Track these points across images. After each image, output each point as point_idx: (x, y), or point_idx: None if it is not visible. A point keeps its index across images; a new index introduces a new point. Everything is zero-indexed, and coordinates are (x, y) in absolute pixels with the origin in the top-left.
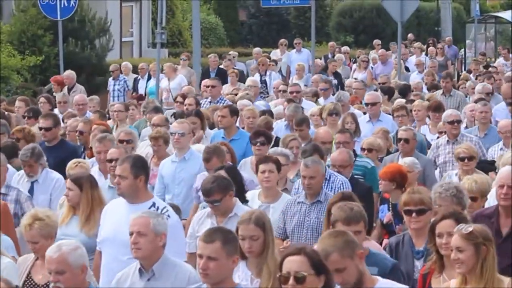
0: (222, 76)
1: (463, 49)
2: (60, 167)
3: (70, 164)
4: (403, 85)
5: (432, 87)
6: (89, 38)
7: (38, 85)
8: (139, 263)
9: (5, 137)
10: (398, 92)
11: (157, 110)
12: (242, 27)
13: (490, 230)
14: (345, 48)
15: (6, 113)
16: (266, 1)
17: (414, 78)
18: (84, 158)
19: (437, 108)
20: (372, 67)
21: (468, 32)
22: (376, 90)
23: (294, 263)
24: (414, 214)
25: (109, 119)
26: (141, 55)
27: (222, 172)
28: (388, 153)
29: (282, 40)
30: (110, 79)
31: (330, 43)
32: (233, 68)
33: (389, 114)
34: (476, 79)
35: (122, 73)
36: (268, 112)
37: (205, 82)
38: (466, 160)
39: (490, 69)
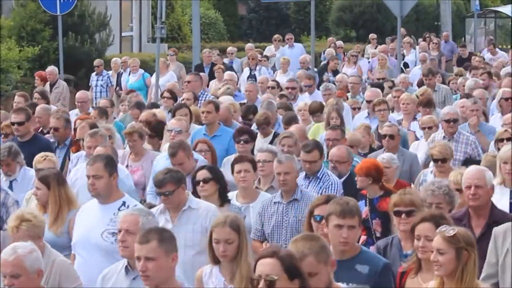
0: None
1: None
2: (32, 162)
3: (38, 157)
4: (377, 82)
5: (421, 83)
6: (89, 32)
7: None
8: (126, 261)
9: None
10: (371, 86)
11: (139, 105)
12: (241, 22)
13: None
14: (339, 42)
15: None
16: None
17: (417, 72)
18: (66, 153)
19: (428, 103)
20: (369, 61)
21: (467, 27)
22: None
23: (266, 266)
24: (403, 215)
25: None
26: (140, 49)
27: (204, 172)
28: (371, 149)
29: (276, 36)
30: (93, 74)
31: (330, 38)
32: (223, 63)
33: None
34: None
35: (121, 68)
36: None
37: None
38: (439, 162)
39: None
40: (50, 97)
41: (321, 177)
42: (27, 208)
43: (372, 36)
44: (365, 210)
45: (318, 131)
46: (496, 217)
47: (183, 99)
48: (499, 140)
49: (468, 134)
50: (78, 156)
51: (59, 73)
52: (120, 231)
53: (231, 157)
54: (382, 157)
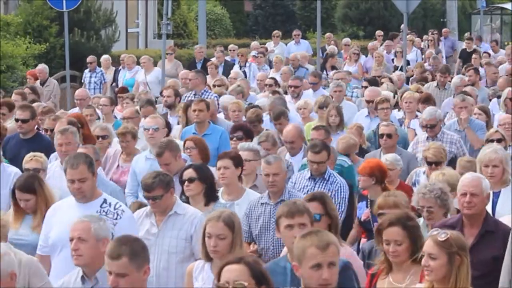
0: (206, 68)
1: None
2: None
3: (26, 157)
4: (372, 78)
5: (422, 79)
6: (95, 29)
7: None
8: (81, 270)
9: None
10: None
11: (150, 102)
12: (248, 18)
13: None
14: (346, 40)
15: None
16: None
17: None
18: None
19: (427, 100)
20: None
21: (474, 24)
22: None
23: (233, 272)
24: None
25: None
26: (146, 46)
27: (190, 171)
28: (361, 149)
29: (275, 32)
30: (86, 71)
31: (327, 34)
32: (225, 61)
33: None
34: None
35: (121, 65)
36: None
37: (182, 74)
38: (433, 165)
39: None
40: (43, 93)
41: (328, 179)
42: None
43: (379, 33)
44: (366, 212)
45: (309, 131)
46: (489, 227)
47: (164, 96)
48: (489, 141)
49: (452, 133)
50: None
51: (64, 68)
52: (72, 239)
53: None
54: (386, 158)
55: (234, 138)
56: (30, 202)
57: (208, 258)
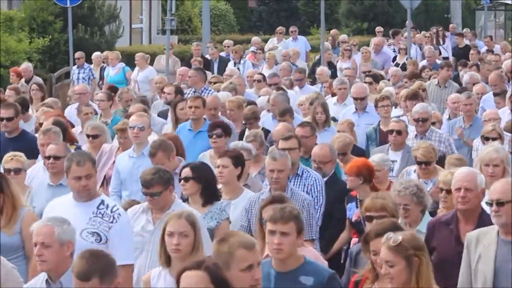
0: (203, 65)
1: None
2: None
3: (6, 157)
4: (374, 74)
5: (413, 76)
6: (99, 24)
7: (47, 71)
8: (46, 274)
9: None
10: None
11: (143, 101)
12: (251, 14)
13: (449, 238)
14: (343, 36)
15: None
16: None
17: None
18: None
19: (414, 96)
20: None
21: (478, 19)
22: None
23: (193, 278)
24: (375, 221)
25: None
26: (150, 42)
27: (187, 170)
28: (354, 147)
29: (278, 28)
30: (75, 67)
31: (332, 31)
32: (220, 57)
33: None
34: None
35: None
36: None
37: (180, 71)
38: (423, 165)
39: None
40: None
41: (302, 174)
42: None
43: (379, 29)
44: (356, 212)
45: None
46: (484, 223)
47: (164, 93)
48: (485, 138)
49: (441, 132)
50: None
51: (68, 64)
52: (35, 244)
53: (207, 153)
54: (373, 159)
55: (214, 136)
56: None
57: (167, 263)
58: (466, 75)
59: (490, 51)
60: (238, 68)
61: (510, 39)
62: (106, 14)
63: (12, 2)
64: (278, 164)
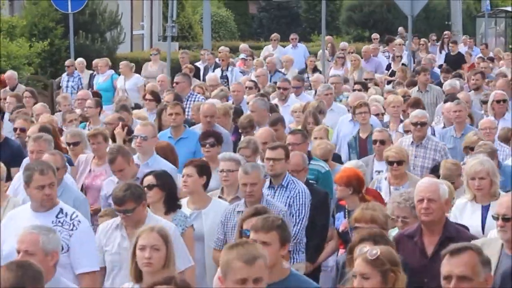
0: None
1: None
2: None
3: None
4: (363, 81)
5: (411, 84)
6: (100, 31)
7: (48, 77)
8: None
9: None
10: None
11: (125, 108)
12: (252, 21)
13: (414, 250)
14: (343, 44)
15: None
16: None
17: None
18: None
19: (415, 104)
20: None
21: (478, 26)
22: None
23: None
24: (360, 229)
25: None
26: (151, 48)
27: (150, 178)
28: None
29: (273, 35)
30: (64, 74)
31: (327, 37)
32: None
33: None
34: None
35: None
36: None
37: (160, 77)
38: (395, 165)
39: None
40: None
41: (287, 185)
42: None
43: (375, 36)
44: (344, 223)
45: None
46: (450, 234)
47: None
48: (470, 149)
49: (438, 140)
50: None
51: None
52: (18, 252)
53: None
54: (347, 165)
55: (207, 145)
56: None
57: (137, 279)
58: (446, 83)
59: (481, 58)
60: (226, 76)
61: (510, 46)
62: (107, 21)
63: (14, 8)
64: (251, 178)
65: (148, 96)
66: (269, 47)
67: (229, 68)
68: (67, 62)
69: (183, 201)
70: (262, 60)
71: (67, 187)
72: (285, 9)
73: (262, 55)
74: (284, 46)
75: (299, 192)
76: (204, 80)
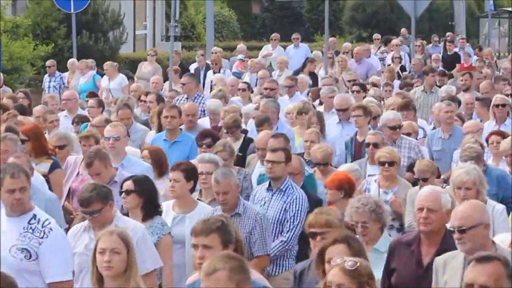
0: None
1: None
2: None
3: None
4: (362, 83)
5: (386, 85)
6: (103, 31)
7: None
8: None
9: None
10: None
11: (127, 106)
12: (255, 21)
13: (410, 260)
14: (346, 45)
15: None
16: None
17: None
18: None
19: (405, 107)
20: None
21: (481, 27)
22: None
23: None
24: (318, 238)
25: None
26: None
27: (129, 183)
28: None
29: (273, 35)
30: (46, 75)
31: (330, 39)
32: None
33: None
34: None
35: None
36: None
37: (154, 79)
38: (386, 165)
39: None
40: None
41: (285, 190)
42: None
43: (376, 36)
44: None
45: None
46: (448, 246)
47: (147, 102)
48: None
49: (411, 139)
50: None
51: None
52: None
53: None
54: (345, 167)
55: (204, 146)
56: None
57: (99, 283)
58: (442, 89)
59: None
60: None
61: None
62: (110, 20)
63: (17, 8)
64: (222, 187)
65: (143, 98)
66: (268, 46)
67: (221, 70)
68: (47, 63)
69: (169, 203)
70: (260, 61)
71: (35, 190)
72: (288, 9)
73: (261, 55)
74: (286, 46)
75: (296, 198)
76: (203, 81)
